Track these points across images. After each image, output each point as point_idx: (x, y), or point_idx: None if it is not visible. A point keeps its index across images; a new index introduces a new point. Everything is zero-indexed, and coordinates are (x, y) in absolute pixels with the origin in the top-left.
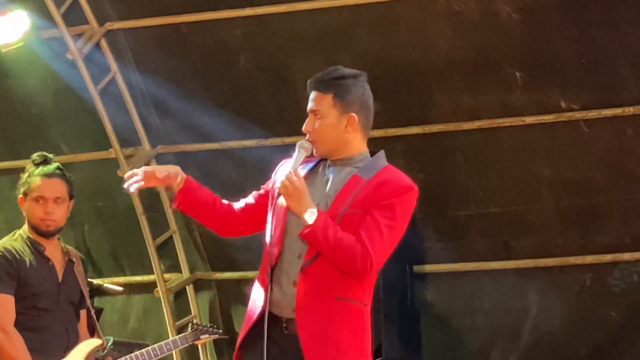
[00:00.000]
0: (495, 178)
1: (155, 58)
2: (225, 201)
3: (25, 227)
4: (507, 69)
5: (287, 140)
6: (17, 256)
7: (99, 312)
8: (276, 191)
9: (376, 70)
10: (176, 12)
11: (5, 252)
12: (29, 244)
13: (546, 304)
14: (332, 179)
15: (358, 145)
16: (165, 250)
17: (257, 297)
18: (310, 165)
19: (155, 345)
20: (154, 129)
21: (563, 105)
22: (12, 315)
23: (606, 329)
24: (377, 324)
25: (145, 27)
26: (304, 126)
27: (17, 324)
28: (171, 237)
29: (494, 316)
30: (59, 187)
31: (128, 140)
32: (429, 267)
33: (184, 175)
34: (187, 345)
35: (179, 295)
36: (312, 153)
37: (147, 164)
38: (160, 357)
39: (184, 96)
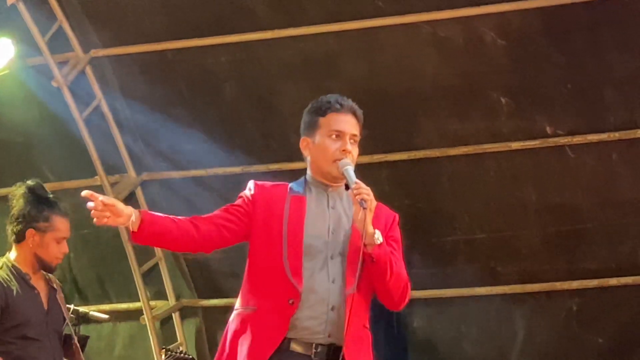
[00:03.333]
0: (482, 204)
1: (141, 85)
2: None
3: (10, 255)
4: (492, 94)
5: (272, 167)
6: (4, 284)
7: (85, 339)
8: (285, 218)
9: (362, 97)
10: (161, 39)
11: None
12: (14, 272)
13: (533, 330)
14: (339, 206)
15: None
16: (151, 277)
17: (264, 326)
18: (299, 190)
19: None
20: (139, 156)
21: (549, 130)
22: None
23: (593, 354)
24: None
25: (130, 54)
26: (347, 145)
27: (6, 354)
28: (157, 264)
29: (481, 342)
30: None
31: (113, 167)
32: (415, 293)
33: (137, 214)
34: None
35: (165, 322)
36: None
37: (133, 192)
38: None
39: (170, 123)
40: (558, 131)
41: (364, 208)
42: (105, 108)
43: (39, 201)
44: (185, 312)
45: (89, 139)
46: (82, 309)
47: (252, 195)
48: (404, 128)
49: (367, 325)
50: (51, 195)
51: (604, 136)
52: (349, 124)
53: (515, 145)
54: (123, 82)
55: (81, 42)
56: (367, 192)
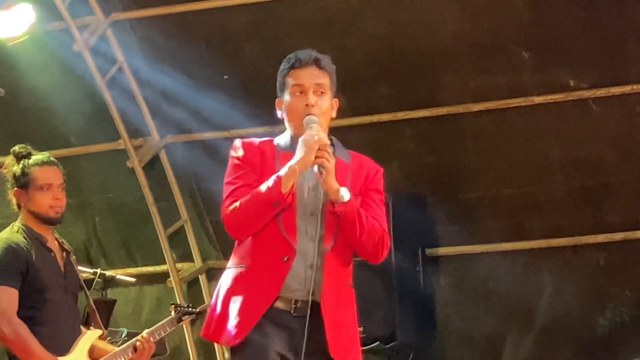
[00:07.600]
0: (506, 159)
1: (162, 47)
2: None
3: (22, 219)
4: (515, 49)
5: None
6: (25, 249)
7: (112, 303)
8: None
9: (383, 55)
10: (181, 1)
11: (14, 246)
12: (30, 235)
13: (560, 285)
14: None
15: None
16: (177, 240)
17: (257, 283)
18: (287, 146)
19: (146, 331)
20: (162, 119)
21: (572, 84)
22: (16, 307)
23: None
24: (390, 309)
25: (151, 16)
26: (310, 99)
27: (32, 319)
28: (182, 226)
29: (508, 298)
30: (60, 174)
31: (137, 130)
32: (441, 250)
33: None
34: (174, 328)
35: (192, 284)
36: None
37: (157, 154)
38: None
39: (192, 85)
40: (581, 84)
41: (321, 173)
42: (127, 71)
43: (19, 160)
44: (212, 274)
45: (112, 103)
46: (108, 272)
47: (243, 156)
48: (426, 85)
49: (350, 282)
50: (31, 151)
51: (627, 88)
52: (310, 76)
53: (538, 99)
54: (144, 45)
55: (101, 6)
56: (328, 157)
